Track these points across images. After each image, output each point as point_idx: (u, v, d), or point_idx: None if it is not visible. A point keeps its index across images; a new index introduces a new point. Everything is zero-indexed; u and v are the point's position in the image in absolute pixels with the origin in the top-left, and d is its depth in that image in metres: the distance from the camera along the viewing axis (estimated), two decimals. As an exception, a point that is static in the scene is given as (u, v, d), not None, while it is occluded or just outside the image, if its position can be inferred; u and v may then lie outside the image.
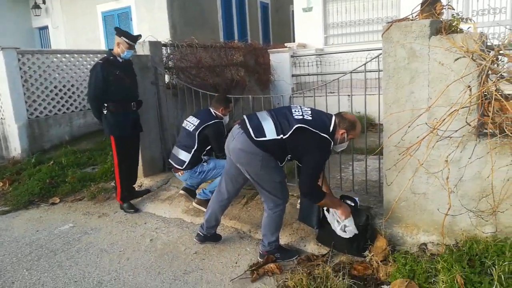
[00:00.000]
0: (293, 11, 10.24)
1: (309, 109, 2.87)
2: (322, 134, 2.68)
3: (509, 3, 6.79)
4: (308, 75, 7.99)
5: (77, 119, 7.03)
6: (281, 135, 2.70)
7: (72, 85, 6.97)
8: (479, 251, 2.54)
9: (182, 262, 3.17)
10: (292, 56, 8.00)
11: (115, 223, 4.06)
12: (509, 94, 2.38)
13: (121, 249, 3.47)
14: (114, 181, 4.52)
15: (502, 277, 2.26)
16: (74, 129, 6.98)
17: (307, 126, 2.68)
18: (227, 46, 7.17)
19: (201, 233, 3.34)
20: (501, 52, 2.31)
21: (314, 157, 2.69)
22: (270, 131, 2.71)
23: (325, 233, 3.09)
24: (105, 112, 4.09)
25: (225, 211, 3.39)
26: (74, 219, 4.25)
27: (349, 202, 3.01)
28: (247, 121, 2.83)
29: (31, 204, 4.77)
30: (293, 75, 8.00)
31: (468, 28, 2.78)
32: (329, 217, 2.99)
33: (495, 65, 2.34)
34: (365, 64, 3.35)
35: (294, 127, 2.68)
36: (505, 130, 2.33)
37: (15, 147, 6.29)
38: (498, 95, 2.22)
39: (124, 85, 4.13)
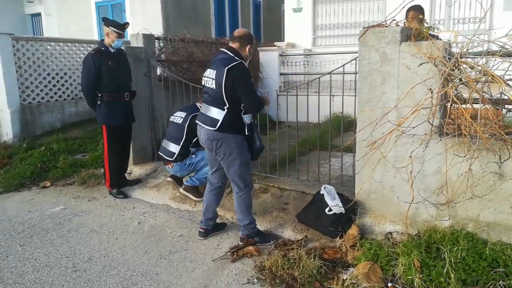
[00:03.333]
0: (284, 10, 10.48)
1: (213, 72, 3.05)
2: (239, 61, 2.95)
3: (489, 13, 7.14)
4: (296, 74, 8.24)
5: (69, 107, 7.17)
6: (224, 107, 3.00)
7: (65, 74, 7.10)
8: (437, 239, 2.82)
9: (168, 243, 3.40)
10: (280, 55, 8.24)
11: (105, 207, 4.27)
12: (474, 98, 2.64)
13: (110, 230, 3.69)
14: (103, 168, 4.71)
15: (453, 261, 2.54)
16: (66, 117, 7.13)
17: (229, 72, 2.91)
18: (218, 42, 7.38)
19: (201, 229, 3.47)
20: (460, 59, 2.58)
21: (245, 83, 2.97)
22: (213, 113, 3.04)
23: (308, 213, 3.37)
24: (98, 102, 4.26)
25: (220, 201, 3.55)
26: (65, 202, 4.44)
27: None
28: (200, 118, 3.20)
29: (23, 187, 4.94)
30: (281, 74, 8.24)
31: (450, 35, 3.05)
32: (326, 197, 3.29)
33: (455, 71, 2.61)
34: (343, 65, 3.61)
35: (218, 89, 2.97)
36: (462, 130, 2.61)
37: (7, 132, 6.42)
38: (455, 98, 2.50)
39: (117, 75, 4.28)
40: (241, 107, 3.04)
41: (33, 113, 6.63)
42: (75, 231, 3.69)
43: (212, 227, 3.51)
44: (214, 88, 3.01)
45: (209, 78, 3.07)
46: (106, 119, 4.30)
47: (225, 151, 3.08)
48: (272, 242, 3.31)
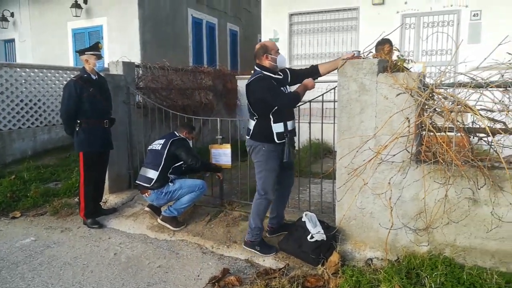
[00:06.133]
0: (260, 39, 10.73)
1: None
2: (258, 75, 3.25)
3: (454, 46, 7.55)
4: (273, 101, 8.35)
5: (42, 134, 6.98)
6: (254, 117, 3.33)
7: (39, 100, 6.95)
8: (416, 265, 2.87)
9: (145, 275, 3.29)
10: (258, 83, 8.37)
11: (79, 238, 4.11)
12: (446, 126, 2.75)
13: (85, 262, 3.54)
14: (78, 197, 4.57)
15: (433, 287, 2.58)
16: (38, 144, 6.92)
17: (248, 88, 3.31)
18: (197, 70, 7.47)
19: (268, 228, 3.73)
20: (434, 90, 2.71)
21: (270, 96, 3.20)
22: (250, 124, 3.41)
23: (290, 241, 3.37)
24: (77, 128, 4.19)
25: (285, 203, 3.80)
26: (36, 233, 4.25)
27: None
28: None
29: (-9, 218, 4.71)
30: (259, 101, 8.35)
31: (411, 67, 3.19)
32: (308, 224, 3.33)
33: (430, 101, 2.73)
34: (322, 95, 3.71)
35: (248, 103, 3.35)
36: (438, 157, 2.71)
37: (-26, 160, 6.17)
38: (431, 127, 2.60)
39: (98, 102, 4.25)
40: (270, 116, 3.26)
41: (4, 140, 6.41)
42: (47, 264, 3.52)
43: (278, 227, 3.72)
44: (247, 102, 3.38)
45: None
46: (84, 145, 4.22)
47: (255, 158, 3.41)
48: (272, 254, 3.47)
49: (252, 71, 3.43)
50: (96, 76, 4.33)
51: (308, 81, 3.37)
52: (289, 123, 3.35)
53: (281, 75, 3.40)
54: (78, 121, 4.18)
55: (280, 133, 3.29)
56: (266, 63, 3.30)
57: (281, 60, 3.33)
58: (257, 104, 3.28)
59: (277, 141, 3.28)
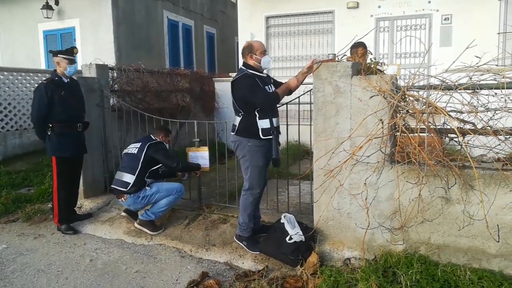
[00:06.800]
0: (237, 42, 10.74)
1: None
2: (243, 73, 3.32)
3: (426, 49, 7.78)
4: (251, 103, 8.39)
5: (13, 139, 6.76)
6: (240, 114, 3.39)
7: (9, 104, 6.74)
8: (392, 263, 2.93)
9: (123, 281, 3.24)
10: (236, 85, 8.38)
11: (53, 244, 4.00)
12: (418, 128, 2.83)
13: (59, 269, 3.45)
14: (51, 202, 4.45)
15: (408, 284, 2.64)
16: (9, 149, 6.70)
17: (233, 85, 3.40)
18: (173, 72, 7.40)
19: None
20: (406, 92, 2.78)
21: (250, 94, 3.26)
22: (236, 120, 3.46)
23: (269, 243, 3.37)
24: (49, 132, 4.09)
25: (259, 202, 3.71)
26: (7, 240, 4.12)
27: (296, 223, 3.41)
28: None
29: (-42, 226, 4.53)
30: (236, 103, 8.36)
31: (385, 69, 3.26)
32: (287, 226, 3.33)
33: (402, 103, 2.80)
34: (299, 97, 3.75)
35: (232, 99, 3.43)
36: (411, 157, 2.77)
37: None
38: (404, 128, 2.67)
39: (70, 105, 4.16)
40: (256, 112, 3.30)
41: (-28, 145, 6.19)
42: (19, 271, 3.41)
43: (257, 228, 3.69)
44: (232, 99, 3.43)
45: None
46: (57, 150, 4.12)
47: (240, 153, 3.45)
48: (257, 252, 3.47)
49: (230, 74, 3.46)
50: (68, 79, 4.24)
51: (292, 80, 3.43)
52: (275, 120, 3.41)
53: (265, 74, 3.48)
54: (50, 125, 4.08)
55: (266, 129, 3.33)
56: (251, 62, 3.39)
57: (266, 61, 3.39)
58: (241, 101, 3.34)
59: (262, 137, 3.32)
